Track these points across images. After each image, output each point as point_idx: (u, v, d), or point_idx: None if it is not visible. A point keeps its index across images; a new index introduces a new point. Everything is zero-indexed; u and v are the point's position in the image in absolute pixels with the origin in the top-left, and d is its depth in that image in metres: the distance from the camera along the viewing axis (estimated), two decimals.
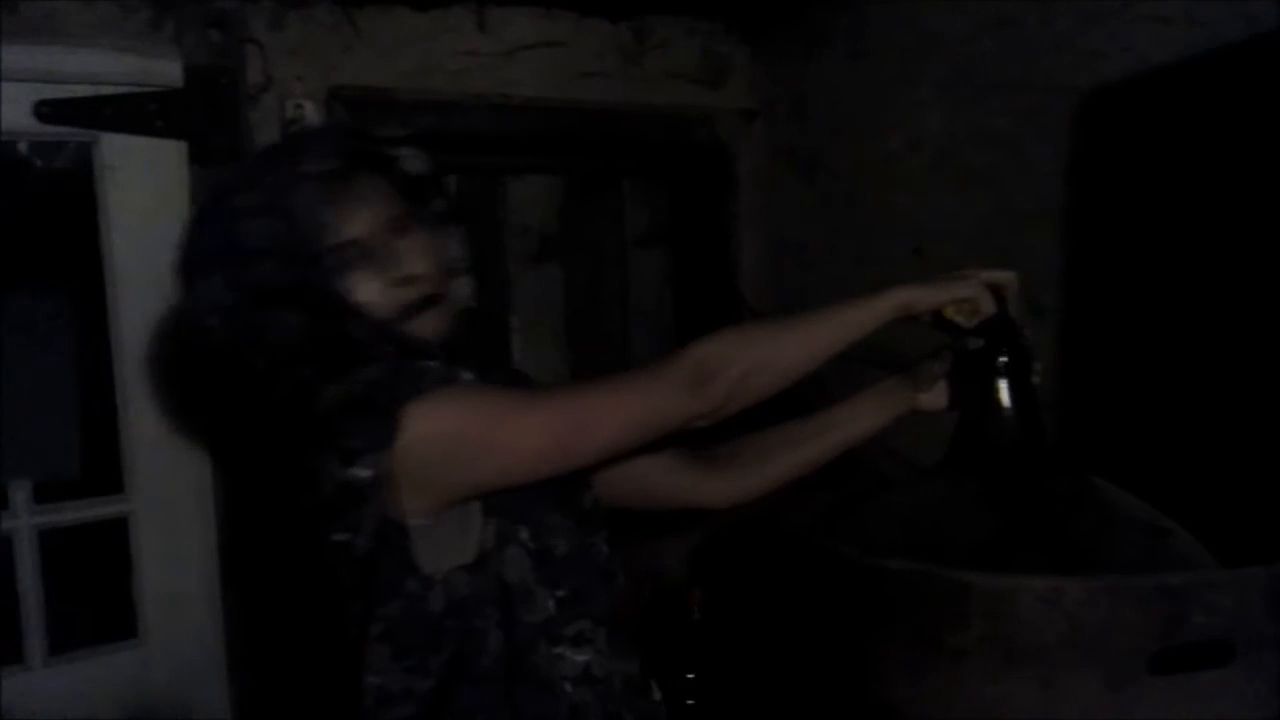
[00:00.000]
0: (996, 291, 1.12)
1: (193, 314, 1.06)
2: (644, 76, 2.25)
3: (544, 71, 2.13)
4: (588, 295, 2.64)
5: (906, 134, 1.99)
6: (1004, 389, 1.13)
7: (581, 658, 1.03)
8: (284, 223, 1.02)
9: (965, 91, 1.86)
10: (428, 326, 1.08)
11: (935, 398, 1.23)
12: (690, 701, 1.56)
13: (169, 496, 1.79)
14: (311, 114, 1.89)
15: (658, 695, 1.11)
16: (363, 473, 0.96)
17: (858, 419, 1.25)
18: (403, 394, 0.97)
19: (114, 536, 1.79)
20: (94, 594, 1.83)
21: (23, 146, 2.78)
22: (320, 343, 1.03)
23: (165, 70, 1.73)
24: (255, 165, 1.10)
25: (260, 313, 1.02)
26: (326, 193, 1.03)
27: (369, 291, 1.05)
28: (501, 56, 2.09)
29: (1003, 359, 1.13)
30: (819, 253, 2.24)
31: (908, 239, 2.00)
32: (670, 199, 2.53)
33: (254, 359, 1.04)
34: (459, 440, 0.97)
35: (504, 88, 2.09)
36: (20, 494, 1.71)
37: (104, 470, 1.87)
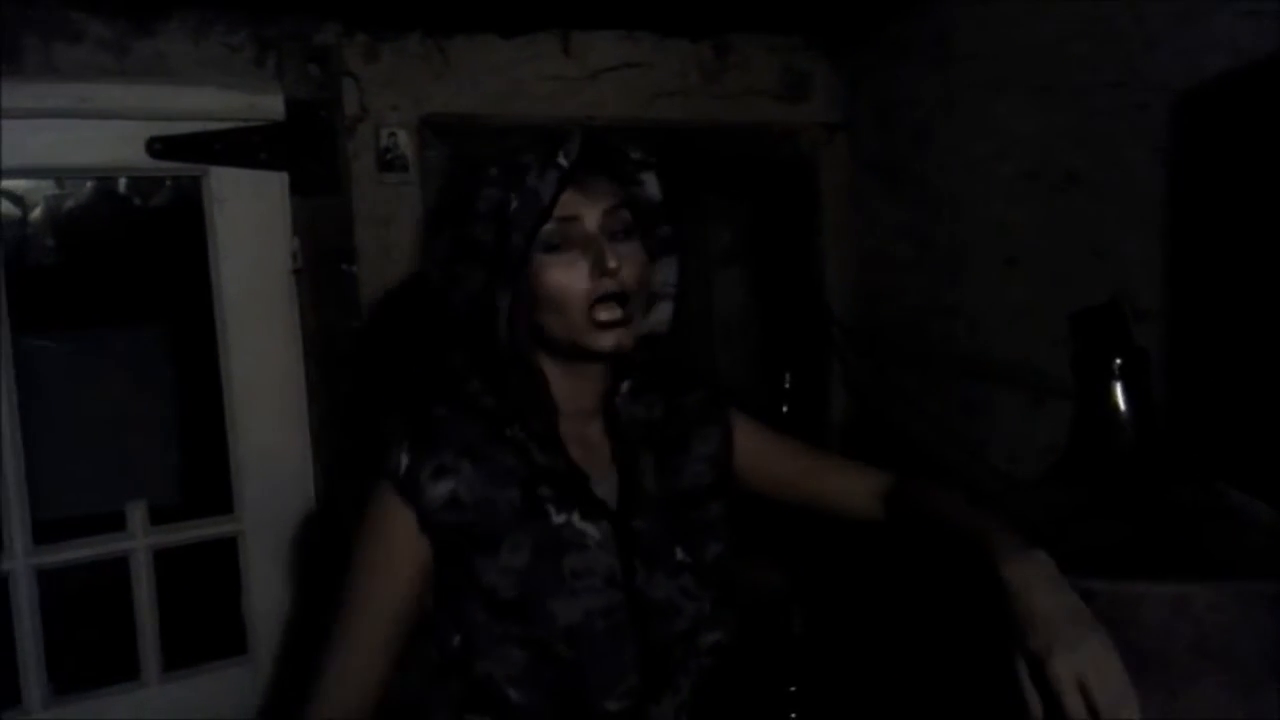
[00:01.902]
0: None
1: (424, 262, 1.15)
2: (725, 94, 2.26)
3: (627, 92, 2.16)
4: (673, 313, 2.65)
5: (995, 141, 1.97)
6: (1120, 393, 1.11)
7: None
8: (507, 194, 1.06)
9: (1057, 95, 1.84)
10: (609, 337, 1.08)
11: None
12: (793, 715, 1.56)
13: (276, 517, 1.84)
14: (405, 142, 1.95)
15: None
16: None
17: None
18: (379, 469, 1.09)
19: (224, 556, 1.84)
20: (206, 612, 1.88)
21: (122, 186, 2.91)
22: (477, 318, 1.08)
23: (268, 105, 1.79)
24: (510, 151, 1.12)
25: (461, 265, 1.08)
26: (551, 181, 1.05)
27: (563, 275, 1.07)
28: (585, 79, 2.13)
29: (1118, 361, 1.11)
30: (906, 263, 2.23)
31: (999, 247, 1.98)
32: (752, 215, 2.53)
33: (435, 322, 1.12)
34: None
35: (588, 109, 2.12)
36: (136, 515, 1.77)
37: (203, 496, 1.93)
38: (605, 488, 1.11)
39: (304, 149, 1.82)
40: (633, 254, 1.08)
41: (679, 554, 1.11)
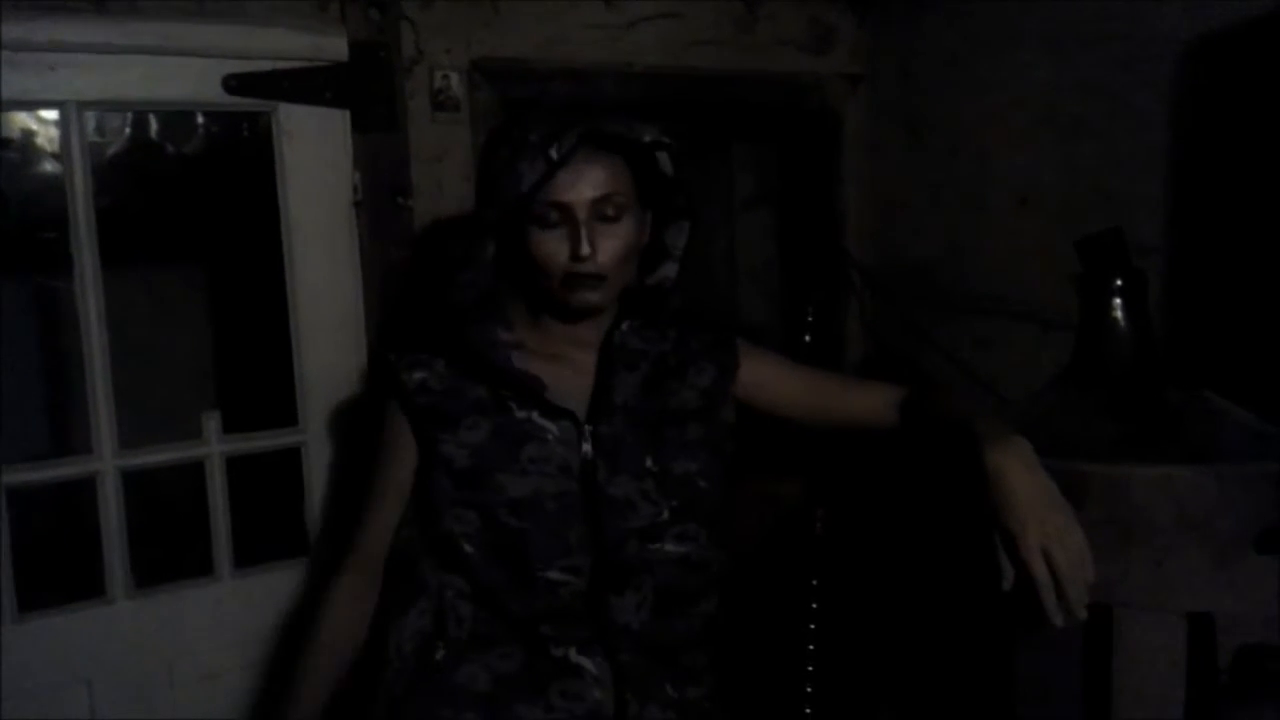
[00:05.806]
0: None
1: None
2: (755, 45, 2.38)
3: (663, 41, 2.28)
4: (698, 256, 2.78)
5: (1010, 90, 2.10)
6: (1120, 309, 1.25)
7: None
8: (505, 167, 1.22)
9: (1069, 46, 1.96)
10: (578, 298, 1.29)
11: None
12: (814, 605, 1.72)
13: (335, 430, 1.99)
14: (456, 84, 2.08)
15: None
16: None
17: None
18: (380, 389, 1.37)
19: (289, 466, 1.99)
20: (272, 516, 2.04)
21: (155, 131, 3.01)
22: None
23: (333, 46, 1.91)
24: (512, 124, 1.29)
25: (475, 236, 1.28)
26: (539, 169, 1.21)
27: (547, 249, 1.25)
28: (624, 28, 2.25)
29: (1118, 281, 1.24)
30: (924, 208, 2.36)
31: (1012, 191, 2.11)
32: (777, 162, 2.65)
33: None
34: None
35: (627, 57, 2.24)
36: (211, 424, 1.91)
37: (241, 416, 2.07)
38: (579, 399, 1.30)
39: (365, 88, 1.95)
40: (618, 234, 1.25)
41: (648, 462, 1.28)
